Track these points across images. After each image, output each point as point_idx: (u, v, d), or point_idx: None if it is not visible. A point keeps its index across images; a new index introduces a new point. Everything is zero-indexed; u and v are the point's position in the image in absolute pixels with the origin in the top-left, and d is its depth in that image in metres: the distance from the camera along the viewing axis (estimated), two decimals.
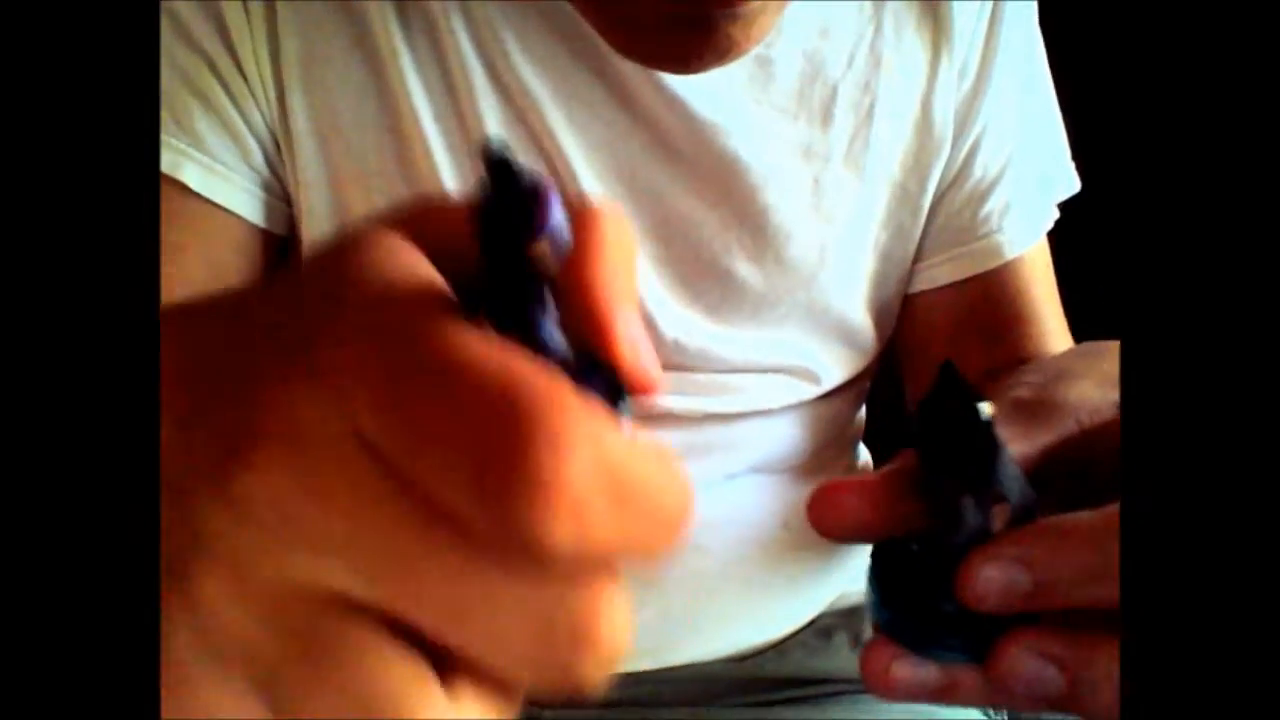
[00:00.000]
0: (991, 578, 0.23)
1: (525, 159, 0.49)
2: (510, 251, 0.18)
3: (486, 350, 0.16)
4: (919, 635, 0.25)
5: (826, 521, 0.26)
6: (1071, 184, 0.59)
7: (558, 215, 0.18)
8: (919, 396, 0.61)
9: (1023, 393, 0.29)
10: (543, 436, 0.15)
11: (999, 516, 0.24)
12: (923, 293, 0.58)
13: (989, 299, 0.57)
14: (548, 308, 0.19)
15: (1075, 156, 0.60)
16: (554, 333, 0.19)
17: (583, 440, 0.15)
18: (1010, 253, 0.56)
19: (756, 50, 0.51)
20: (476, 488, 0.15)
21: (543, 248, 0.18)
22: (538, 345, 0.18)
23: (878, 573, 0.26)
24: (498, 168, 0.18)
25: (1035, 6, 0.57)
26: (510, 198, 0.18)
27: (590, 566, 0.16)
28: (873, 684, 0.25)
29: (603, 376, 0.19)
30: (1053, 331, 0.57)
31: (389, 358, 0.15)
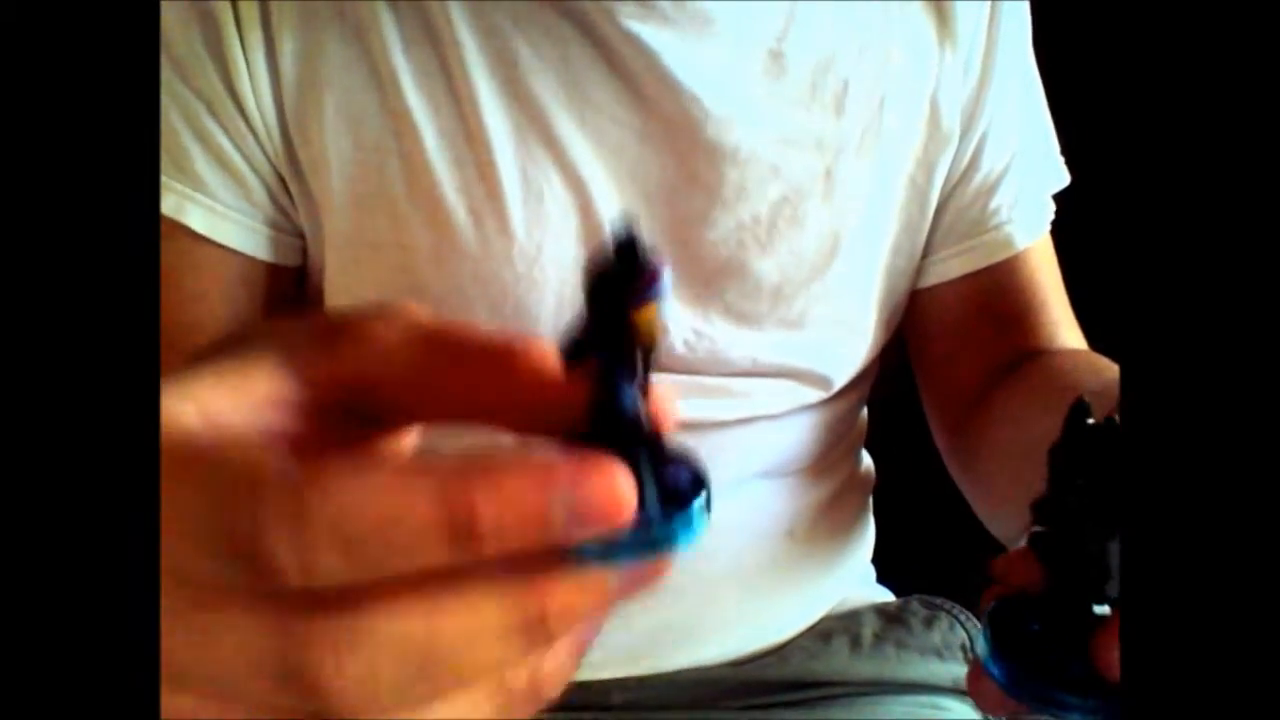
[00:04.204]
0: None
1: (536, 163, 0.50)
2: (613, 315, 0.20)
3: (218, 449, 0.19)
4: (1041, 693, 0.25)
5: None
6: (1063, 177, 0.60)
7: (663, 290, 0.20)
8: (931, 395, 0.62)
9: None
10: (254, 496, 0.18)
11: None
12: (935, 286, 0.59)
13: (1000, 290, 0.58)
14: (636, 373, 0.21)
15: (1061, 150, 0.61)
16: (633, 395, 0.21)
17: (294, 493, 0.18)
18: (1021, 244, 0.57)
19: (769, 45, 0.51)
20: (224, 547, 0.18)
21: (644, 315, 0.20)
22: (616, 403, 0.21)
23: (996, 629, 0.26)
24: (622, 240, 0.20)
25: (1027, 5, 0.58)
26: (625, 266, 0.20)
27: (329, 596, 0.18)
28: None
29: (677, 459, 0.22)
30: (1060, 321, 0.58)
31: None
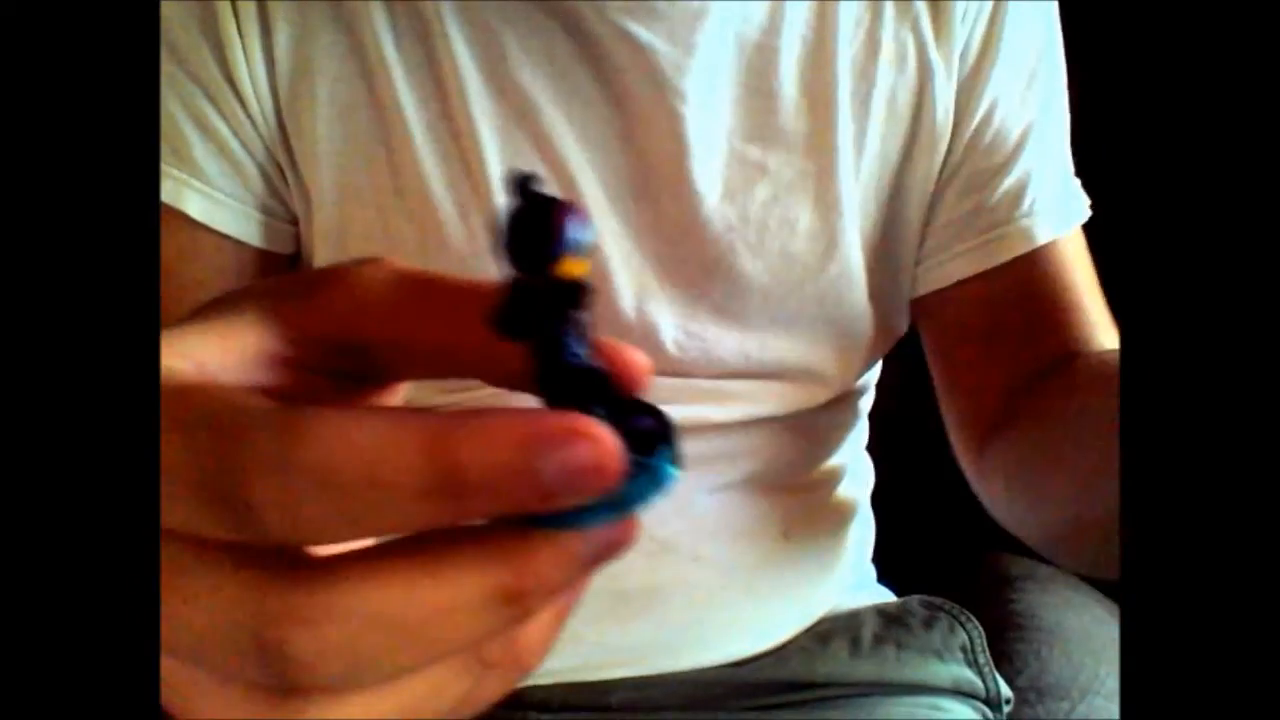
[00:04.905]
0: None
1: (523, 161, 0.50)
2: (534, 271, 0.19)
3: (204, 394, 0.19)
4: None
5: None
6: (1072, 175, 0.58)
7: (578, 232, 0.19)
8: (953, 408, 0.57)
9: None
10: (236, 440, 0.17)
11: None
12: (945, 289, 0.56)
13: (1023, 292, 0.54)
14: (574, 322, 0.20)
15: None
16: (579, 346, 0.20)
17: (277, 437, 0.17)
18: (1040, 239, 0.54)
19: (758, 39, 0.51)
20: (205, 492, 0.18)
21: (565, 266, 0.19)
22: (560, 357, 0.20)
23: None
24: (521, 193, 0.19)
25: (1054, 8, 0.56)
26: (531, 220, 0.19)
27: (306, 566, 0.18)
28: None
29: (640, 406, 0.20)
30: (1096, 323, 0.54)
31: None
